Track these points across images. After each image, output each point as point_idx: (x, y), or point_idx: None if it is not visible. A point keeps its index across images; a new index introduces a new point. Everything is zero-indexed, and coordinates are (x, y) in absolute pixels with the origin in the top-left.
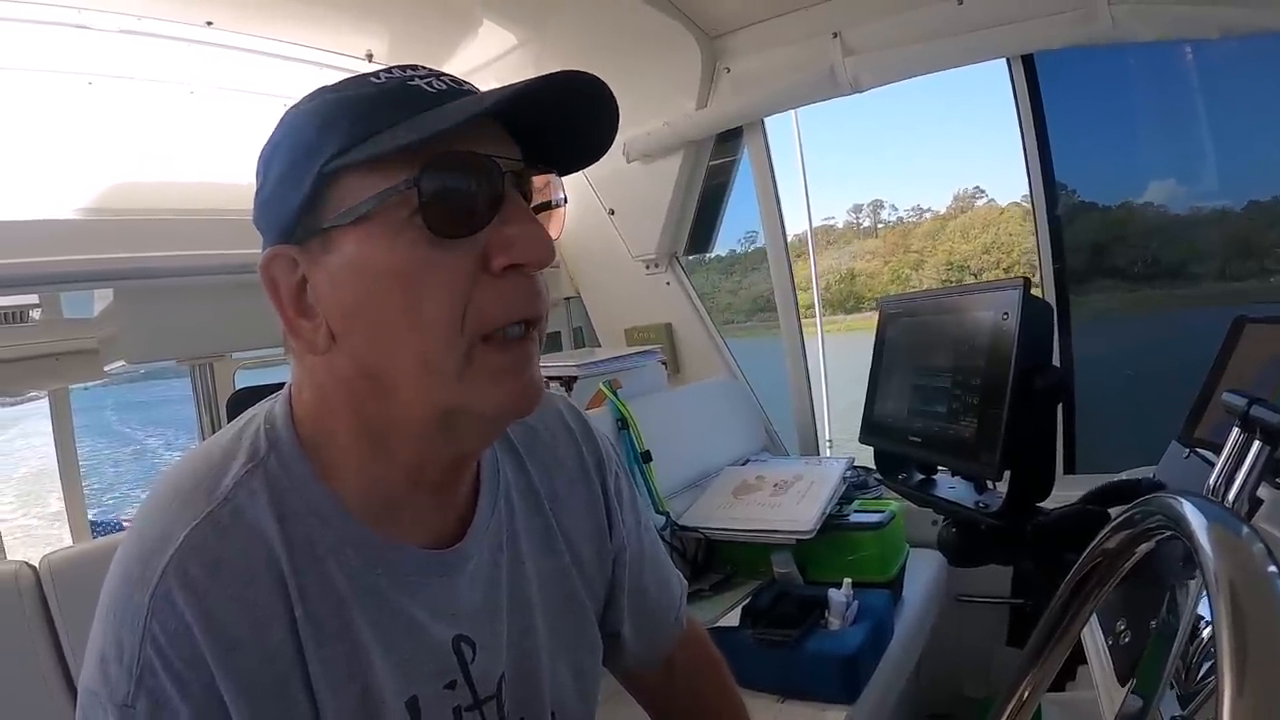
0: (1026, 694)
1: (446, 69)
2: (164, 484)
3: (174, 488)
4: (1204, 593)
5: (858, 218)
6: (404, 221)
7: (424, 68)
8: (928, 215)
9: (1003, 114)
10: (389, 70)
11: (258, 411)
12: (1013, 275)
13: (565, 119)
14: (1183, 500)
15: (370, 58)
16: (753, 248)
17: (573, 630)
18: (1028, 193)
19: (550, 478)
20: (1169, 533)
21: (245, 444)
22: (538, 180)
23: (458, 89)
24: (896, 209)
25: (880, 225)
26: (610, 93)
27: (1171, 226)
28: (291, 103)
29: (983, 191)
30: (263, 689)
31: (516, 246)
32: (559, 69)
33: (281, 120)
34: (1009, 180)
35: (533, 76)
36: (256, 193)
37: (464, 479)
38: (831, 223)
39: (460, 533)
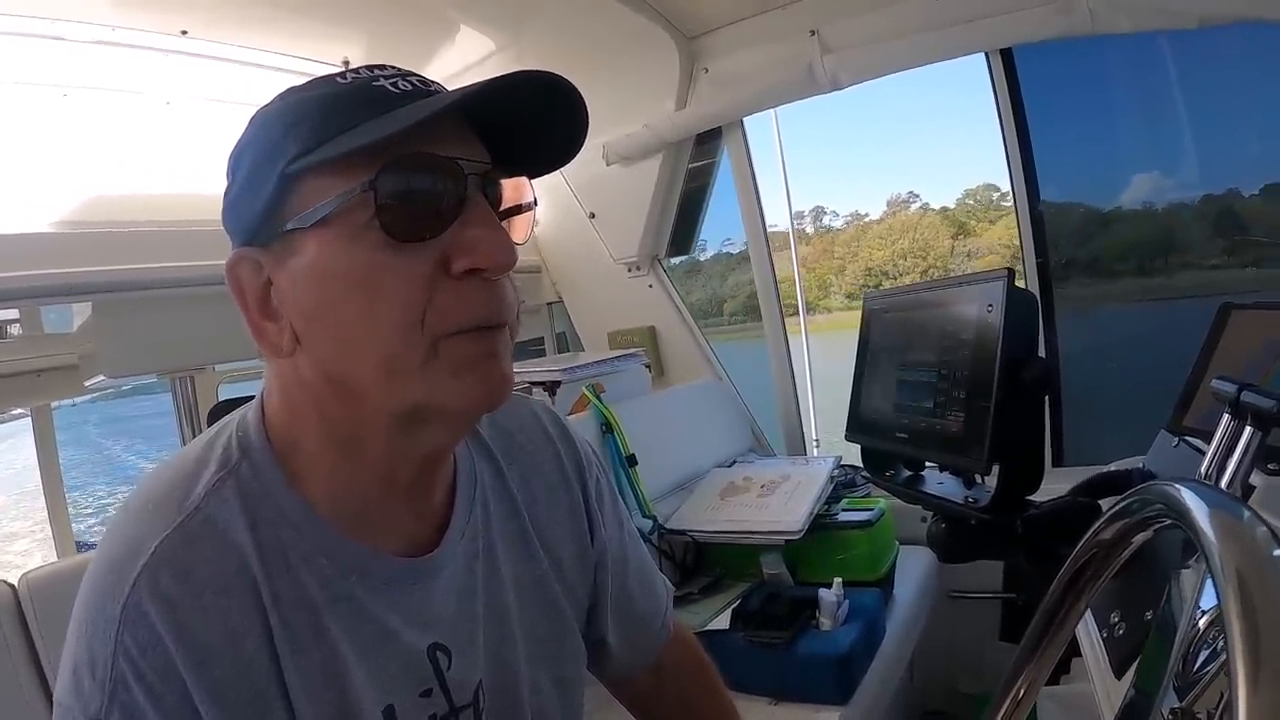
0: (1023, 690)
1: (425, 74)
2: (137, 495)
3: (146, 498)
4: (1204, 583)
5: (799, 224)
6: (363, 224)
7: (391, 68)
8: (862, 221)
9: (946, 120)
10: (355, 70)
11: (231, 419)
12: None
13: (533, 119)
14: (1181, 487)
15: (347, 64)
16: (706, 256)
17: (553, 638)
18: (988, 190)
19: (528, 483)
20: (1168, 521)
21: (217, 452)
22: (511, 185)
23: (424, 89)
24: (838, 215)
25: (823, 231)
26: (575, 89)
27: (1091, 224)
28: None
29: (917, 196)
30: (238, 699)
31: (478, 250)
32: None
33: (251, 120)
34: (943, 184)
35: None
36: (225, 194)
37: (438, 483)
38: (775, 229)
39: (436, 540)
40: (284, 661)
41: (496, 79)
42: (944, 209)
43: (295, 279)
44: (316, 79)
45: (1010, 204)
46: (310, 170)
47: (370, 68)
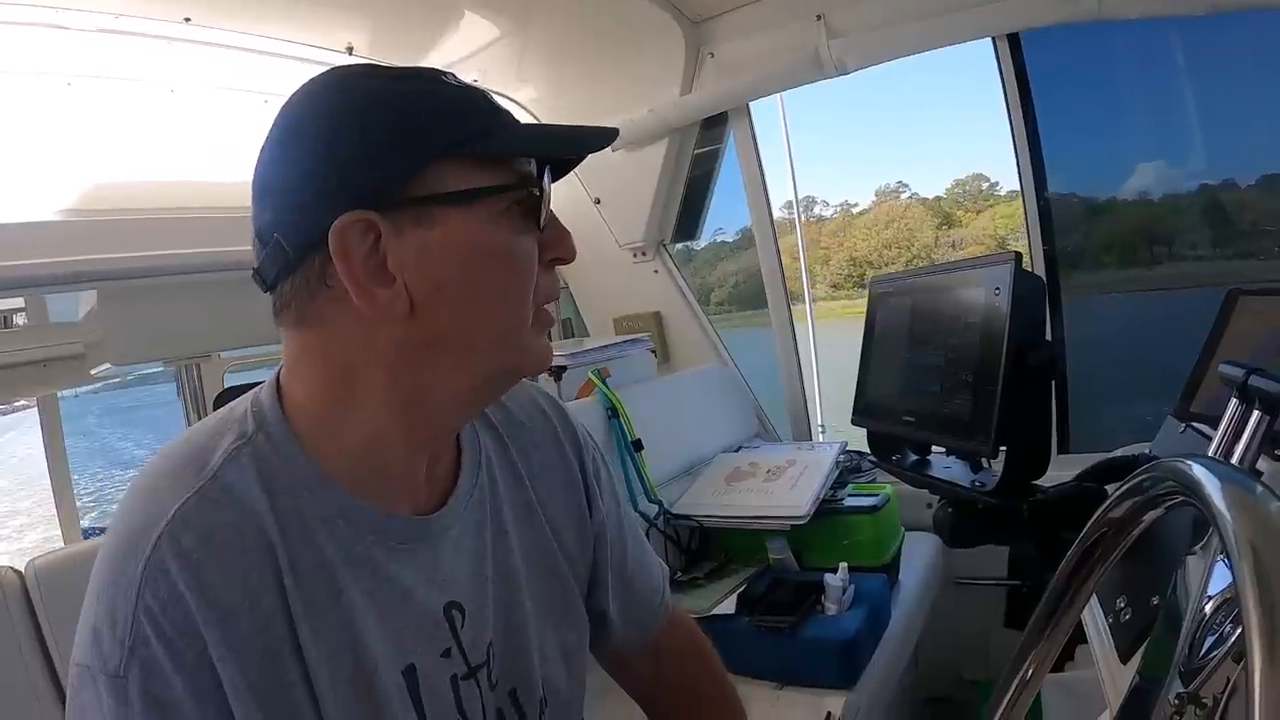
0: (1030, 673)
1: (428, 62)
2: (152, 466)
3: (162, 467)
4: (1212, 567)
5: (790, 214)
6: (503, 209)
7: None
8: (851, 211)
9: (940, 110)
10: (444, 73)
11: (244, 399)
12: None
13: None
14: (1192, 463)
15: (351, 51)
16: (698, 246)
17: (558, 605)
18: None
19: (528, 456)
20: (1180, 498)
21: (233, 425)
22: None
23: (499, 105)
24: (829, 204)
25: (814, 221)
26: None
27: (1080, 215)
28: (273, 98)
29: (906, 186)
30: (256, 658)
31: (564, 244)
32: (543, 60)
33: (350, 90)
34: (933, 174)
35: (563, 121)
36: (321, 154)
37: (451, 448)
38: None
39: (442, 504)
40: (299, 623)
41: (587, 131)
42: (937, 198)
43: (427, 248)
44: (416, 73)
45: (999, 194)
46: (460, 157)
47: (453, 75)
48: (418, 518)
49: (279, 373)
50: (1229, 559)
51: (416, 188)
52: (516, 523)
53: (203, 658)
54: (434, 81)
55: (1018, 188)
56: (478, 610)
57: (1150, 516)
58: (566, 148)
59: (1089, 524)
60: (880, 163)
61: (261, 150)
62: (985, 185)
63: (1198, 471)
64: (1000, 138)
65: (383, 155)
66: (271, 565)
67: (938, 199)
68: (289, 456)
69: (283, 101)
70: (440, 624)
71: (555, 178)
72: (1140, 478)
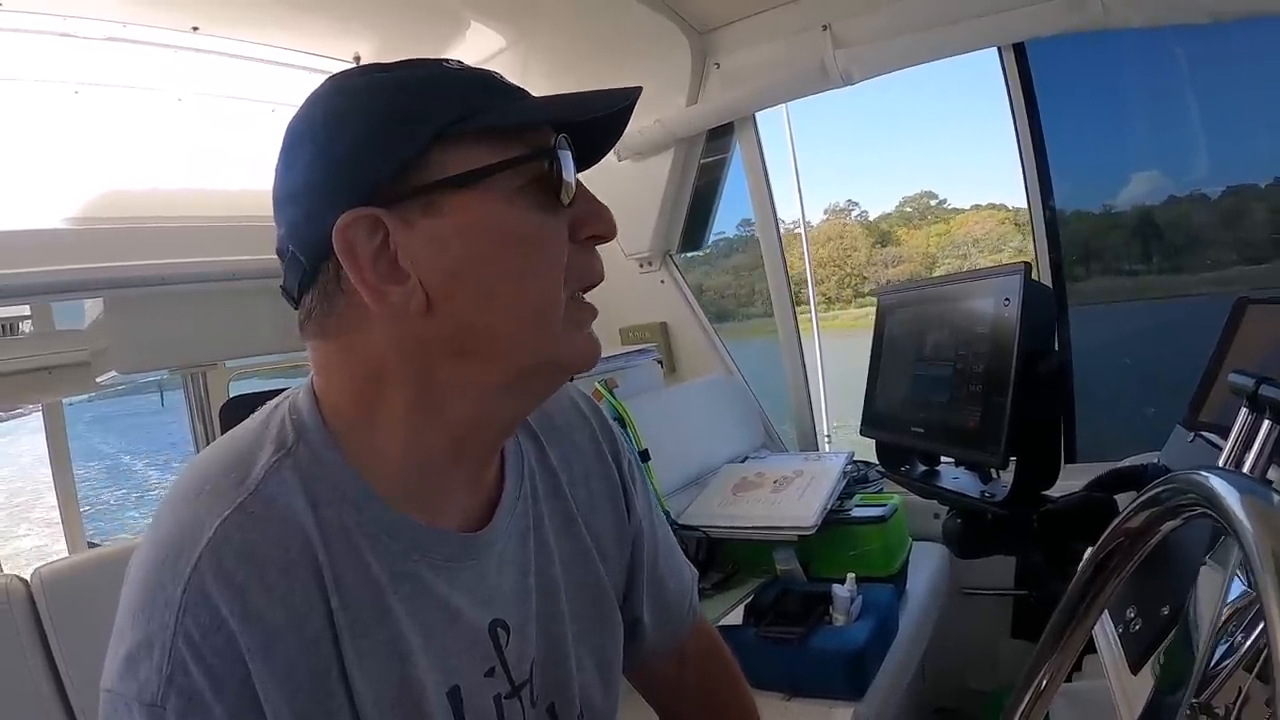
0: (1044, 683)
1: None
2: (189, 477)
3: (201, 480)
4: (1230, 577)
5: (750, 230)
6: (518, 187)
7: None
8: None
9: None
10: (448, 60)
11: (279, 404)
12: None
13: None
14: (1210, 474)
15: (358, 60)
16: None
17: (596, 616)
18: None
19: (569, 462)
20: (1198, 510)
21: (272, 434)
22: None
23: (520, 86)
24: (783, 222)
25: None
26: (629, 111)
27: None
28: (280, 108)
29: (855, 204)
30: (300, 682)
31: (600, 220)
32: (549, 70)
33: (343, 90)
34: (884, 192)
35: (576, 88)
36: (319, 158)
37: (494, 458)
38: (721, 235)
39: (487, 516)
40: (344, 644)
41: (601, 92)
42: (883, 216)
43: (438, 237)
44: (405, 62)
45: (960, 208)
46: (461, 136)
47: (456, 61)
48: (465, 535)
49: (313, 379)
50: (1250, 570)
51: (420, 176)
52: (556, 533)
53: (245, 685)
54: (431, 66)
55: (968, 204)
56: (521, 626)
57: (1167, 528)
58: (577, 110)
59: (1104, 535)
60: (834, 181)
61: (275, 167)
62: (934, 202)
63: (1216, 483)
64: (952, 154)
65: (379, 146)
66: (317, 583)
67: (883, 216)
68: (332, 468)
69: (291, 111)
70: (485, 643)
71: (586, 164)
72: (1158, 489)
